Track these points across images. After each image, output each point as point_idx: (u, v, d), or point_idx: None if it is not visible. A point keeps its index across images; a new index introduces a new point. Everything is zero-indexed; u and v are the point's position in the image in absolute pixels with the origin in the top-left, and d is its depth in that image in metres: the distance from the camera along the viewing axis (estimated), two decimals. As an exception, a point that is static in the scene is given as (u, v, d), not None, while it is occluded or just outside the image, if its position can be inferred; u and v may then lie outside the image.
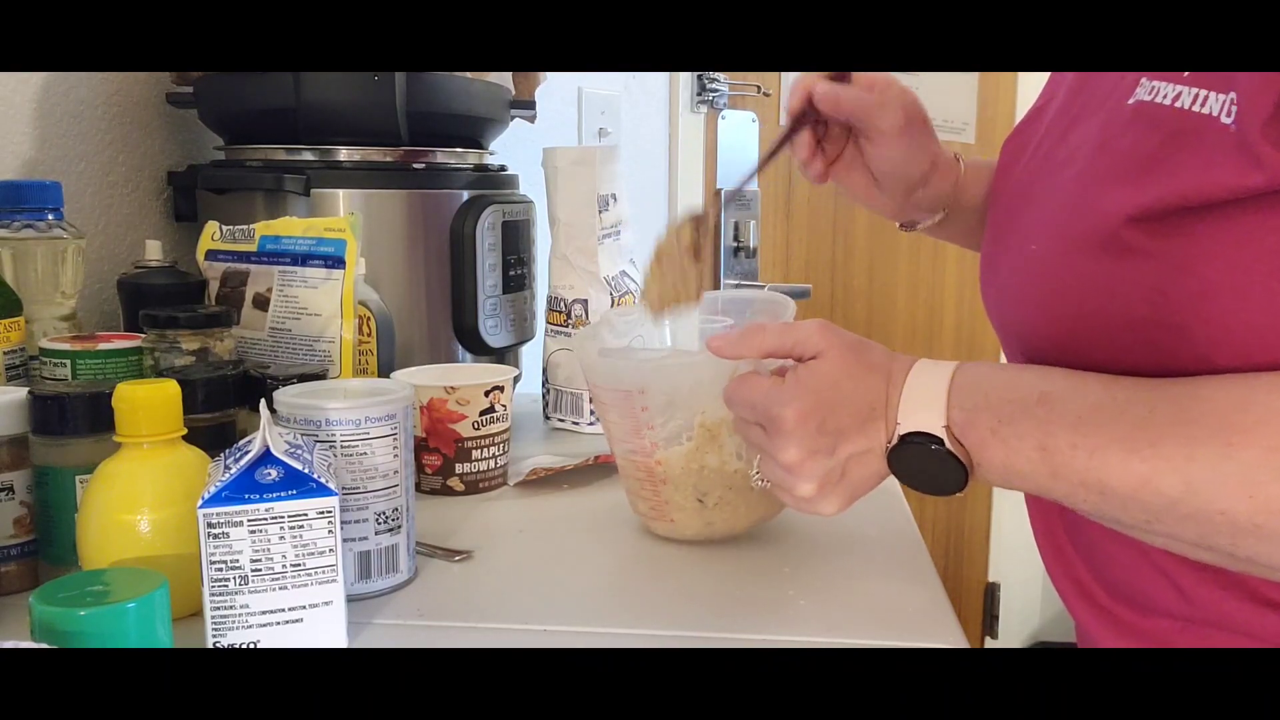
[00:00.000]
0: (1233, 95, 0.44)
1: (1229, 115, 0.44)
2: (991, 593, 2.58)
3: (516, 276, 0.98)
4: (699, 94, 1.82)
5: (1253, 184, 0.43)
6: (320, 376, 0.70)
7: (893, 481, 0.55)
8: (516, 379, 0.88)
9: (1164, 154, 0.47)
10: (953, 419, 0.52)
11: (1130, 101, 0.50)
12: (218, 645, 0.50)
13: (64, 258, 0.79)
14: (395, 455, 0.61)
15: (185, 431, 0.57)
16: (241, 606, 0.50)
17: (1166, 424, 0.45)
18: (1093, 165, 0.52)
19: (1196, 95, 0.46)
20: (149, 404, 0.55)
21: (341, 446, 0.59)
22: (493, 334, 0.96)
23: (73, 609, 0.45)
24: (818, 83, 0.70)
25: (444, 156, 0.96)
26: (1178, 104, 0.46)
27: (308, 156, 0.92)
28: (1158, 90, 0.48)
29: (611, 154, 1.00)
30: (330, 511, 0.51)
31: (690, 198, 1.84)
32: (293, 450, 0.53)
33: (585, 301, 0.98)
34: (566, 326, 0.99)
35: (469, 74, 0.96)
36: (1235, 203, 0.44)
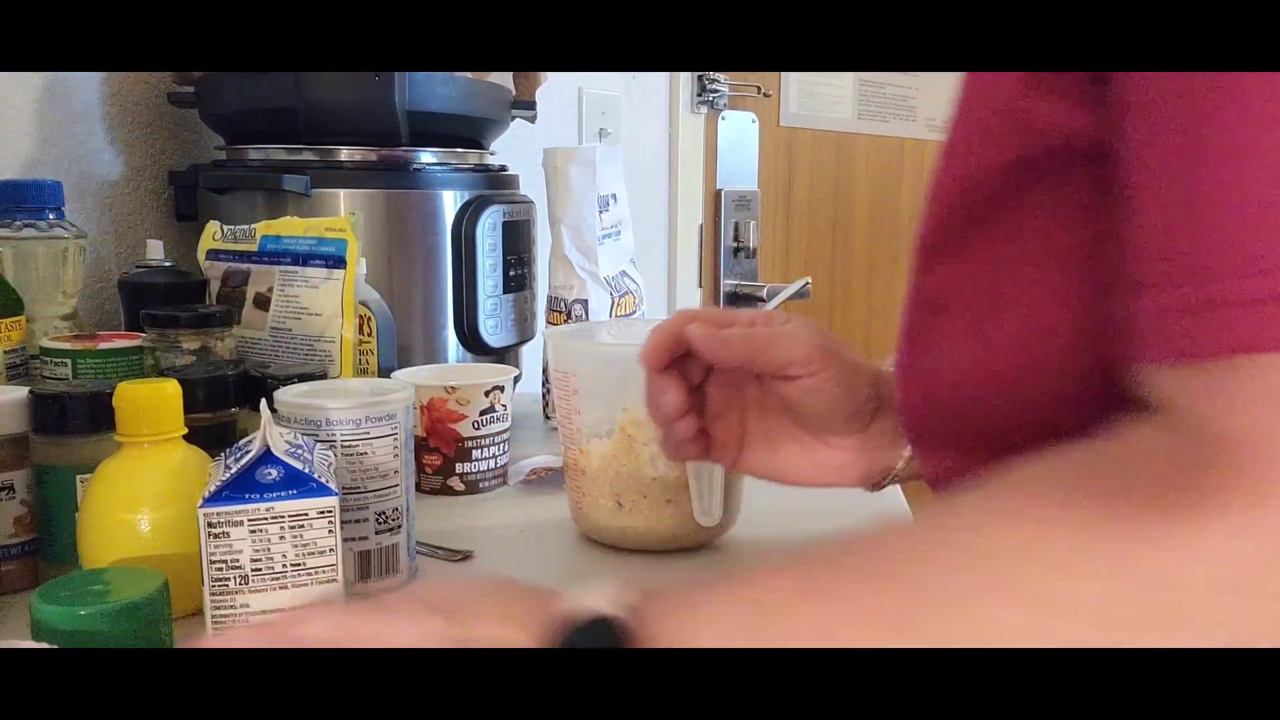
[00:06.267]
0: None
1: None
2: (991, 593, 2.58)
3: (517, 276, 0.98)
4: (699, 94, 1.82)
5: None
6: (321, 376, 0.70)
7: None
8: (516, 379, 0.89)
9: None
10: None
11: None
12: (218, 645, 0.50)
13: (65, 257, 0.79)
14: (395, 455, 0.61)
15: (186, 431, 0.57)
16: (242, 606, 0.50)
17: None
18: None
19: None
20: (149, 403, 0.55)
21: (342, 446, 0.59)
22: (493, 334, 0.96)
23: (73, 609, 0.45)
24: (692, 326, 0.55)
25: (445, 156, 0.96)
26: None
27: (308, 156, 0.92)
28: None
29: (611, 154, 1.00)
30: (330, 511, 0.51)
31: (690, 198, 1.84)
32: (293, 450, 0.53)
33: (585, 302, 0.98)
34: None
35: (469, 74, 0.96)
36: None
